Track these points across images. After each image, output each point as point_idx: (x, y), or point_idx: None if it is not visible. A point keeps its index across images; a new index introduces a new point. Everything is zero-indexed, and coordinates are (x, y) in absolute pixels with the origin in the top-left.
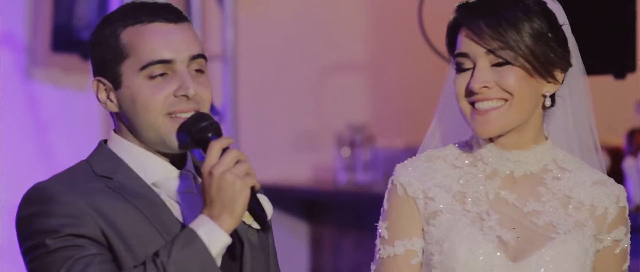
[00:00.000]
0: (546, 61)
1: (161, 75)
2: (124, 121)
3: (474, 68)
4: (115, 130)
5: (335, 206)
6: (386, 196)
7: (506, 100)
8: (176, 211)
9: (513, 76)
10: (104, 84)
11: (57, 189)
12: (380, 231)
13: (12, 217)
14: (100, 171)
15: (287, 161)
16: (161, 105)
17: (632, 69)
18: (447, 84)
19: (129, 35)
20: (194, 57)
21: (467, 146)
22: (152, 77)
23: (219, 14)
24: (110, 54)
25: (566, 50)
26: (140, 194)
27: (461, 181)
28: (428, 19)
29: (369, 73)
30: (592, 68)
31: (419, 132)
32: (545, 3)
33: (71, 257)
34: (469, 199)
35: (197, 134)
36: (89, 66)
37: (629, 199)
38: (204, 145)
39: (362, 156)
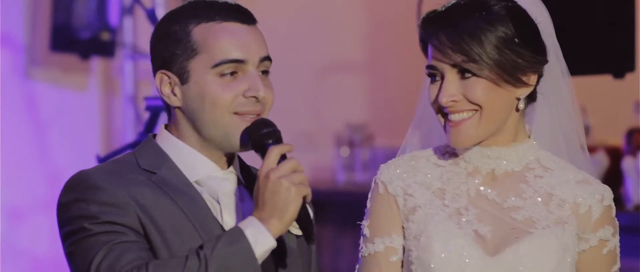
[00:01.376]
0: (513, 68)
1: (231, 74)
2: (187, 116)
3: (442, 79)
4: (166, 126)
5: (334, 205)
6: (369, 194)
7: (476, 110)
8: (216, 210)
9: (479, 88)
10: (169, 78)
11: (100, 177)
12: (362, 229)
13: (11, 216)
14: (145, 164)
15: None
16: (229, 103)
17: (631, 68)
18: (423, 90)
19: (202, 32)
20: (263, 59)
21: (449, 146)
22: (222, 75)
23: None
24: (180, 49)
25: (537, 51)
26: (181, 190)
27: (442, 179)
28: None
29: (368, 73)
30: (592, 68)
31: None
32: (513, 2)
33: (110, 242)
34: (449, 195)
35: (259, 140)
36: (88, 65)
37: (628, 198)
38: (263, 150)
39: (361, 155)
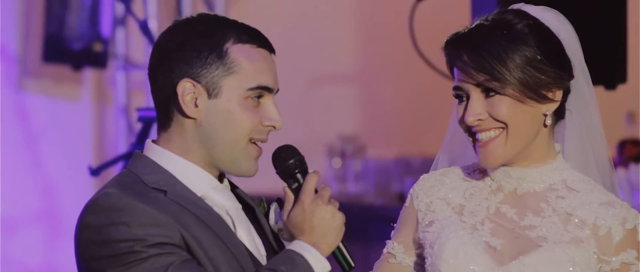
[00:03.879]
0: (536, 85)
1: (257, 98)
2: (201, 129)
3: (467, 99)
4: (154, 141)
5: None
6: None
7: (503, 128)
8: (230, 223)
9: (504, 106)
10: (195, 88)
11: (128, 198)
12: None
13: (3, 228)
14: (152, 182)
15: None
16: (251, 129)
17: (623, 80)
18: (453, 111)
19: (240, 52)
20: (276, 92)
21: (480, 163)
22: (249, 99)
23: None
24: (215, 64)
25: (562, 67)
26: (198, 206)
27: (466, 194)
28: (419, 29)
29: (360, 84)
30: None
31: (410, 142)
32: (536, 20)
33: (171, 264)
34: (467, 211)
35: (288, 168)
36: (80, 76)
37: None
38: (290, 178)
39: (353, 166)
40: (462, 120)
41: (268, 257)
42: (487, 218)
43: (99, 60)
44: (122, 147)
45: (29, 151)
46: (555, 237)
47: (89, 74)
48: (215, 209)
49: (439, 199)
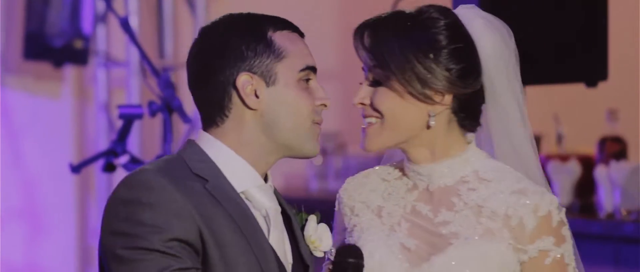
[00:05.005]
0: (420, 82)
1: (307, 80)
2: (262, 119)
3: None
4: (207, 130)
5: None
6: None
7: (379, 118)
8: (263, 224)
9: (383, 97)
10: (252, 79)
11: (164, 180)
12: None
13: None
14: (197, 169)
15: None
16: (311, 110)
17: (604, 77)
18: None
19: (282, 38)
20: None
21: (401, 161)
22: (302, 81)
23: (191, 21)
24: (265, 53)
25: (460, 75)
26: (234, 203)
27: (384, 195)
28: None
29: (341, 81)
30: (564, 76)
31: None
32: (455, 22)
33: (168, 267)
34: (386, 212)
35: (343, 263)
36: (61, 73)
37: (601, 207)
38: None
39: (334, 164)
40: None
41: (294, 266)
42: (404, 218)
43: (79, 57)
44: (103, 145)
45: (10, 148)
46: (467, 232)
47: (70, 71)
48: (253, 208)
49: (360, 203)
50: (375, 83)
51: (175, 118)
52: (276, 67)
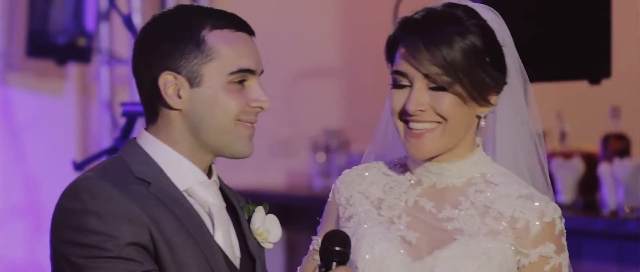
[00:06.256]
0: (482, 88)
1: (240, 82)
2: (187, 119)
3: (410, 87)
4: (147, 129)
5: (311, 211)
6: None
7: (440, 123)
8: (208, 222)
9: (448, 102)
10: (176, 79)
11: (107, 186)
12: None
13: None
14: (138, 172)
15: (262, 167)
16: (237, 111)
17: (607, 74)
18: (388, 101)
19: (217, 38)
20: (261, 73)
21: (404, 158)
22: (232, 83)
23: None
24: (194, 53)
25: (502, 72)
26: (178, 203)
27: (385, 188)
28: None
29: (344, 78)
30: (567, 74)
31: None
32: (484, 21)
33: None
34: (386, 205)
35: (328, 253)
36: (64, 71)
37: (604, 204)
38: (327, 262)
39: (337, 161)
40: (401, 108)
41: (242, 260)
42: (405, 211)
43: (83, 55)
44: (106, 142)
45: (12, 145)
46: (471, 229)
47: (73, 69)
48: (197, 206)
49: (358, 193)
50: (435, 88)
51: None
52: (203, 68)
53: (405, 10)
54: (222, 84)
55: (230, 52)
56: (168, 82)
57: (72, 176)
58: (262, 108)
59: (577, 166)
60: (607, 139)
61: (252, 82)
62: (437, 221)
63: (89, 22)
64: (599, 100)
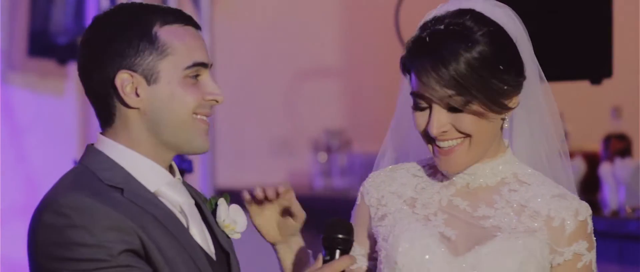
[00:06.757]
0: (500, 97)
1: (195, 76)
2: (145, 118)
3: (430, 108)
4: (104, 134)
5: (312, 211)
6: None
7: (465, 137)
8: (183, 220)
9: (468, 120)
10: (132, 78)
11: (87, 199)
12: None
13: None
14: (108, 179)
15: (263, 167)
16: (195, 105)
17: (608, 74)
18: (401, 95)
19: (169, 33)
20: (211, 66)
21: (432, 159)
22: (188, 77)
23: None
24: (147, 50)
25: (518, 72)
26: (154, 205)
27: (417, 188)
28: (404, 23)
29: (345, 78)
30: (569, 74)
31: None
32: (495, 25)
33: None
34: (420, 204)
35: (332, 240)
36: (66, 71)
37: (605, 204)
38: (331, 249)
39: (339, 161)
40: (424, 129)
41: (216, 254)
42: (440, 210)
43: None
44: None
45: (13, 145)
46: (509, 227)
47: (74, 69)
48: (169, 206)
49: (390, 193)
50: (453, 108)
51: None
52: (159, 65)
53: (408, 10)
54: (178, 79)
55: (183, 47)
56: (125, 81)
57: None
58: (216, 101)
59: (579, 166)
60: (608, 139)
61: (205, 76)
62: (473, 218)
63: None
64: (600, 100)
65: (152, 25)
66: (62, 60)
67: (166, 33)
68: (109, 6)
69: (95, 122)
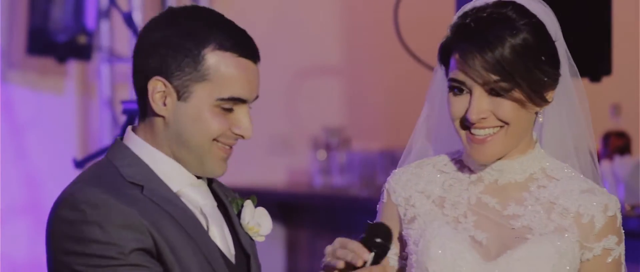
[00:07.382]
0: (540, 88)
1: (229, 109)
2: (169, 128)
3: (469, 93)
4: (134, 129)
5: (311, 209)
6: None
7: (502, 126)
8: (204, 222)
9: (509, 107)
10: (166, 87)
11: (103, 195)
12: None
13: None
14: (130, 176)
15: (263, 164)
16: (217, 133)
17: (608, 72)
18: (433, 87)
19: (218, 59)
20: (255, 99)
21: (458, 154)
22: (221, 108)
23: None
24: (189, 68)
25: (557, 67)
26: (173, 204)
27: (444, 186)
28: (404, 21)
29: (345, 76)
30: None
31: (395, 135)
32: (535, 17)
33: None
34: (449, 203)
35: (370, 242)
36: (65, 69)
37: None
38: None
39: (338, 159)
40: (462, 116)
41: (237, 257)
42: (470, 210)
43: (83, 53)
44: (107, 140)
45: (13, 144)
46: (539, 227)
47: (74, 67)
48: (190, 207)
49: (418, 193)
50: (493, 94)
51: None
52: (194, 85)
53: (407, 8)
54: (209, 106)
55: (226, 78)
56: (157, 88)
57: (72, 173)
58: (243, 137)
59: None
60: (607, 137)
61: (240, 110)
62: (502, 218)
63: (90, 20)
64: (599, 98)
65: (205, 46)
66: (62, 58)
67: (215, 58)
68: (109, 5)
69: (94, 120)
